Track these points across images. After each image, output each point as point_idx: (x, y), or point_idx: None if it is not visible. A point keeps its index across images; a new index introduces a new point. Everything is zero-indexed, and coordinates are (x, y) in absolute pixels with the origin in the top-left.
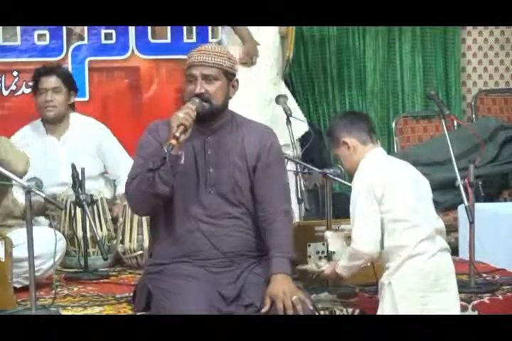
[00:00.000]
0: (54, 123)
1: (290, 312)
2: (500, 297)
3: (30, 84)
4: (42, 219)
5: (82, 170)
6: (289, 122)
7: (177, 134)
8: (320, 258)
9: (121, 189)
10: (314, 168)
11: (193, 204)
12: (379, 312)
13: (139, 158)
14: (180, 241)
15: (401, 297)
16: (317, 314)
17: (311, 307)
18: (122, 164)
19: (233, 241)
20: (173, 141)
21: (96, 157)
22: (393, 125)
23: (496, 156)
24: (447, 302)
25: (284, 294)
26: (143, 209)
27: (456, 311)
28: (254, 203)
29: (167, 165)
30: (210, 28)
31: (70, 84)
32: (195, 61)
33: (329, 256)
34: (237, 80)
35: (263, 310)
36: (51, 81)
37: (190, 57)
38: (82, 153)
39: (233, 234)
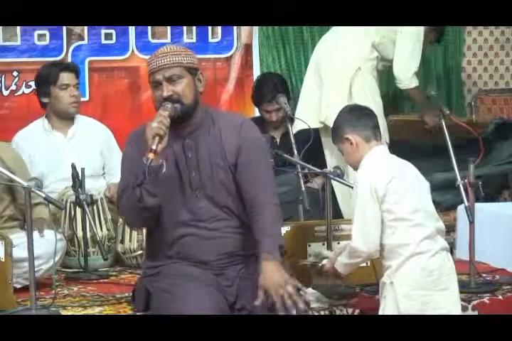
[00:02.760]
0: (61, 120)
1: (288, 303)
2: (500, 297)
3: (40, 79)
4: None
5: (82, 170)
6: (289, 121)
7: (154, 147)
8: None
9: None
10: (315, 168)
11: (181, 209)
12: (380, 312)
13: (123, 171)
14: (173, 246)
15: (404, 296)
16: (311, 312)
17: (305, 296)
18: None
19: (225, 243)
20: (151, 155)
21: (99, 156)
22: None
23: (495, 157)
24: (449, 302)
25: (280, 285)
26: (137, 223)
27: (457, 310)
28: (241, 200)
29: (150, 178)
30: (210, 28)
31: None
32: (154, 67)
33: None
34: (201, 73)
35: (256, 303)
36: (72, 77)
37: (149, 64)
38: (88, 149)
39: (224, 236)
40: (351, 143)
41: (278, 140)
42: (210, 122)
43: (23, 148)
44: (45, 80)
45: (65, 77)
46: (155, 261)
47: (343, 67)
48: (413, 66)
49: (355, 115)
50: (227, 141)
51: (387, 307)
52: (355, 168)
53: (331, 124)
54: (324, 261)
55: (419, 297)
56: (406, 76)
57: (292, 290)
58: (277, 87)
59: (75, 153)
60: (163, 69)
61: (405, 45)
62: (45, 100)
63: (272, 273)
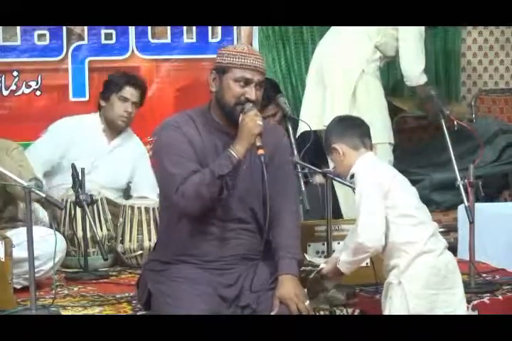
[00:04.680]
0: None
1: (304, 314)
2: (500, 297)
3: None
4: (42, 219)
5: (82, 170)
6: (289, 121)
7: (259, 143)
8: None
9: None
10: (315, 168)
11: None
12: (386, 313)
13: (174, 156)
14: (187, 241)
15: (413, 295)
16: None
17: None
18: (145, 184)
19: (240, 245)
20: (262, 151)
21: (128, 174)
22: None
23: (495, 159)
24: (454, 300)
25: (297, 297)
26: (197, 211)
27: (463, 308)
28: (264, 203)
29: (235, 171)
30: (210, 28)
31: (143, 100)
32: (249, 64)
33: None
34: None
35: (273, 313)
36: (136, 94)
37: (241, 58)
38: (121, 167)
39: (239, 238)
40: (339, 153)
41: None
42: None
43: (63, 134)
44: (112, 86)
45: (128, 91)
46: (162, 257)
47: (347, 71)
48: (421, 64)
49: (342, 125)
50: (264, 144)
51: (395, 307)
52: (345, 176)
53: None
54: (322, 265)
55: (428, 296)
56: (415, 74)
57: (309, 306)
58: (269, 92)
59: (109, 166)
60: (259, 71)
61: (409, 43)
62: (103, 104)
63: (289, 287)
